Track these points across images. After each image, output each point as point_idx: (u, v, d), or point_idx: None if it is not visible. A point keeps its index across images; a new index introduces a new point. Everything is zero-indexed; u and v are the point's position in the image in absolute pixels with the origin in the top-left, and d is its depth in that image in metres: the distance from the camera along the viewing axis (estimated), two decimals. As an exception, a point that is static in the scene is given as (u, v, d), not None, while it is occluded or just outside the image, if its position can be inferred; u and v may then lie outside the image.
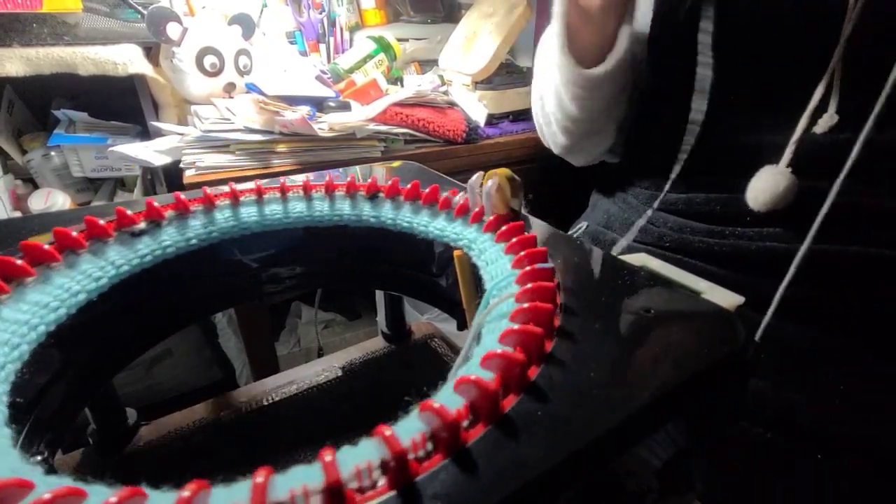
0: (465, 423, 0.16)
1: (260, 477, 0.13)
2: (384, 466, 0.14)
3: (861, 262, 0.35)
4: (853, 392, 0.35)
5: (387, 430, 0.14)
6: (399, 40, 1.00)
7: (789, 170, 0.37)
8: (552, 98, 0.52)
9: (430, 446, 0.15)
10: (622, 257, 0.28)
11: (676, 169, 0.45)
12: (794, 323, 0.37)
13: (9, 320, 0.21)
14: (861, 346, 0.35)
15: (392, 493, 0.14)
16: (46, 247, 0.24)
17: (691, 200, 0.43)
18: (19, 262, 0.23)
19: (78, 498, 0.13)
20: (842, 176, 0.33)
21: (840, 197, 0.35)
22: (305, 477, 0.13)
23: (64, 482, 0.14)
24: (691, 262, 0.42)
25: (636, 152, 0.53)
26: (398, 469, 0.14)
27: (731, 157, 0.41)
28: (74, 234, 0.25)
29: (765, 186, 0.37)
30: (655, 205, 0.46)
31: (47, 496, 0.12)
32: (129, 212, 0.28)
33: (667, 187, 0.46)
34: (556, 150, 0.59)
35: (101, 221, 0.27)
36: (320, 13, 0.99)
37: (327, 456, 0.14)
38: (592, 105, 0.49)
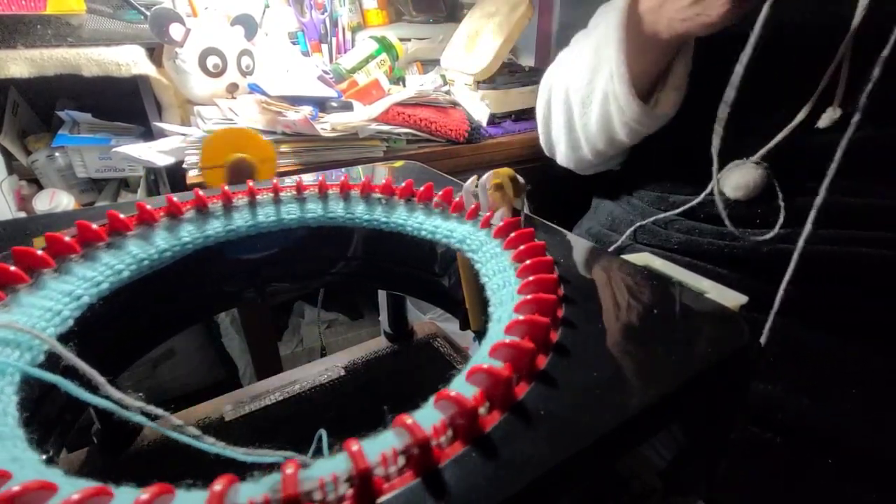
0: (481, 410, 0.16)
1: (290, 468, 0.13)
2: (407, 454, 0.14)
3: (870, 264, 0.35)
4: (864, 397, 0.34)
5: (408, 419, 0.14)
6: (401, 40, 1.00)
7: (754, 160, 0.38)
8: (598, 127, 0.49)
9: (450, 434, 0.15)
10: (625, 256, 0.28)
11: (681, 172, 0.45)
12: (805, 327, 0.36)
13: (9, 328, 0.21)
14: (872, 350, 0.35)
15: (416, 480, 0.14)
16: (40, 252, 0.24)
17: (699, 202, 0.43)
18: (12, 268, 0.23)
19: (105, 497, 0.13)
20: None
21: (861, 198, 0.35)
22: (331, 467, 0.14)
23: (83, 483, 0.14)
24: (700, 265, 0.41)
25: (640, 156, 0.53)
26: (422, 456, 0.14)
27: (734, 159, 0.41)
28: (67, 238, 0.25)
29: (735, 173, 0.39)
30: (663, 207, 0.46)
31: (76, 496, 0.12)
32: (121, 215, 0.28)
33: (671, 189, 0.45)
34: (569, 165, 0.58)
35: (94, 225, 0.27)
36: (322, 13, 0.99)
37: (354, 446, 0.14)
38: (643, 134, 0.48)
